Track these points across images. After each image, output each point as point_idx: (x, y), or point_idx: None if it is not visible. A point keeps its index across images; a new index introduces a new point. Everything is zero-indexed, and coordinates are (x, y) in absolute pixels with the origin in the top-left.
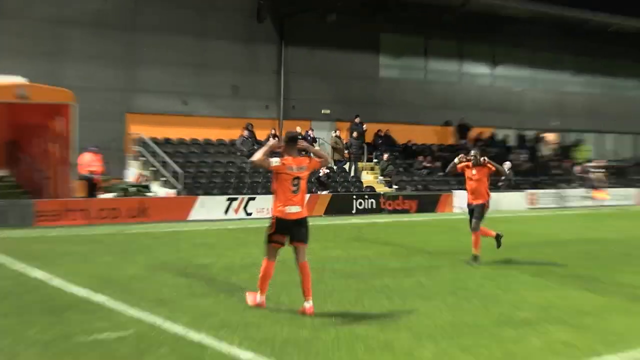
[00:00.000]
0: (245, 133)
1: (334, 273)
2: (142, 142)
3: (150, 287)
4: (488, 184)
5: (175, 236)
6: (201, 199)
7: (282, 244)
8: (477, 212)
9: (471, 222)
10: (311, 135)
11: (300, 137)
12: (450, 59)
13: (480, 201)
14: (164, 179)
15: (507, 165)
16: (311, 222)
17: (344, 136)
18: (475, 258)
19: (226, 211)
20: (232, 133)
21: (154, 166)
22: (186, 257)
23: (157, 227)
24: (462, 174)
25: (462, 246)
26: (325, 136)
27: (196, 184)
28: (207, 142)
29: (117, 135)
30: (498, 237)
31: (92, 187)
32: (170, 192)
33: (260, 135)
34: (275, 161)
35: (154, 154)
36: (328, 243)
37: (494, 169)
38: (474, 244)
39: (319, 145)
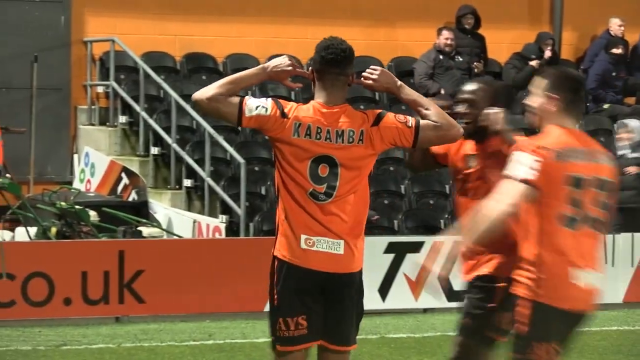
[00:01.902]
0: (442, 39)
1: None
2: (121, 68)
3: None
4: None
5: None
6: None
7: (306, 341)
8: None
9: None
10: None
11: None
12: None
13: (490, 270)
14: (189, 183)
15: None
16: None
17: None
18: None
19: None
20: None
21: (158, 142)
22: None
23: (171, 331)
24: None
25: None
26: None
27: None
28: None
29: (49, 42)
30: None
31: None
32: (209, 223)
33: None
34: (258, 107)
35: (150, 105)
36: None
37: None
38: None
39: None
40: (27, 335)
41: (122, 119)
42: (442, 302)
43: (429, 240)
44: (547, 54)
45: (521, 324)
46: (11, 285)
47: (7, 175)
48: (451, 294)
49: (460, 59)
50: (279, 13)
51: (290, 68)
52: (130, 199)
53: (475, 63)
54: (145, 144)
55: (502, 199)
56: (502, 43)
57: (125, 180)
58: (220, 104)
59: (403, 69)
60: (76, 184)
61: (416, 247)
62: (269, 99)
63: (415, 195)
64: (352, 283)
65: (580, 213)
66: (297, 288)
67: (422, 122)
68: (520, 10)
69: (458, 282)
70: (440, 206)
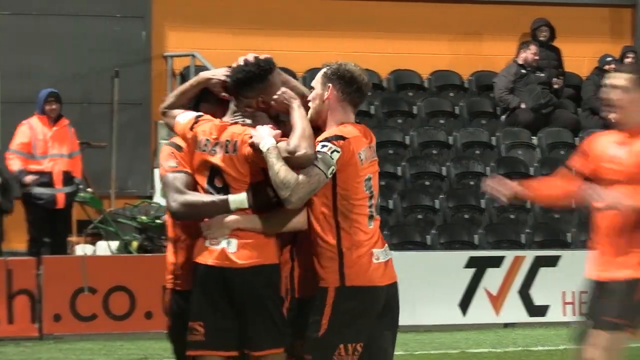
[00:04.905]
0: (529, 53)
1: None
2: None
3: None
4: None
5: None
6: None
7: (202, 347)
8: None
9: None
10: None
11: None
12: None
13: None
14: None
15: None
16: None
17: None
18: None
19: None
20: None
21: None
22: None
23: None
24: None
25: None
26: None
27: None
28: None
29: (130, 57)
30: None
31: (50, 218)
32: None
33: None
34: (183, 120)
35: None
36: None
37: None
38: None
39: None
40: (108, 349)
41: None
42: (524, 317)
43: (509, 255)
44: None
45: None
46: (93, 299)
47: (89, 189)
48: (532, 309)
49: (542, 74)
50: (361, 27)
51: (215, 80)
52: None
53: (555, 79)
54: None
55: None
56: (583, 57)
57: None
58: (165, 116)
59: (483, 82)
60: (157, 199)
61: (497, 262)
62: (193, 114)
63: (496, 209)
64: (254, 279)
65: None
66: (199, 290)
67: (280, 143)
68: (601, 24)
69: (540, 297)
70: (521, 220)
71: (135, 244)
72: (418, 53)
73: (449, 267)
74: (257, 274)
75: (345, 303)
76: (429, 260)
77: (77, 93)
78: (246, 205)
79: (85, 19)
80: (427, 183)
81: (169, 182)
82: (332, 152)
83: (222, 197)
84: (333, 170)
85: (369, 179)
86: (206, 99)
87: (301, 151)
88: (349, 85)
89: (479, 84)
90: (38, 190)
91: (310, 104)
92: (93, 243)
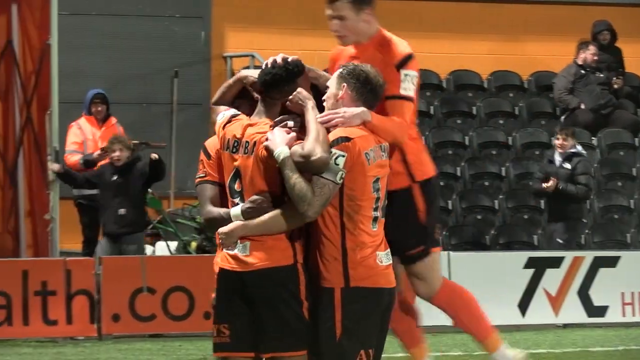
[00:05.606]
0: (588, 54)
1: None
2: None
3: None
4: None
5: None
6: None
7: (228, 350)
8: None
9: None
10: None
11: (293, 67)
12: None
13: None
14: None
15: None
16: None
17: None
18: None
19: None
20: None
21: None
22: None
23: None
24: None
25: None
26: None
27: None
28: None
29: (189, 58)
30: None
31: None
32: None
33: None
34: (219, 120)
35: None
36: None
37: None
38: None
39: None
40: (167, 349)
41: None
42: (583, 318)
43: (569, 256)
44: None
45: None
46: (152, 299)
47: (149, 190)
48: (591, 310)
49: (601, 75)
50: (420, 27)
51: (251, 79)
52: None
53: (614, 79)
54: None
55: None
56: None
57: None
58: (212, 113)
59: (542, 83)
60: None
61: (556, 262)
62: (230, 113)
63: None
64: (265, 281)
65: None
66: (221, 294)
67: (294, 147)
68: None
69: (600, 298)
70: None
71: (194, 244)
72: (477, 53)
73: (508, 267)
74: (267, 276)
75: (353, 305)
76: (488, 261)
77: (137, 93)
78: (242, 219)
79: (144, 20)
80: (486, 183)
81: (198, 195)
82: (336, 158)
83: (227, 210)
84: (342, 174)
85: (377, 180)
86: (245, 97)
87: (316, 156)
88: (364, 85)
89: (539, 85)
90: (91, 191)
91: (324, 104)
92: (152, 243)
